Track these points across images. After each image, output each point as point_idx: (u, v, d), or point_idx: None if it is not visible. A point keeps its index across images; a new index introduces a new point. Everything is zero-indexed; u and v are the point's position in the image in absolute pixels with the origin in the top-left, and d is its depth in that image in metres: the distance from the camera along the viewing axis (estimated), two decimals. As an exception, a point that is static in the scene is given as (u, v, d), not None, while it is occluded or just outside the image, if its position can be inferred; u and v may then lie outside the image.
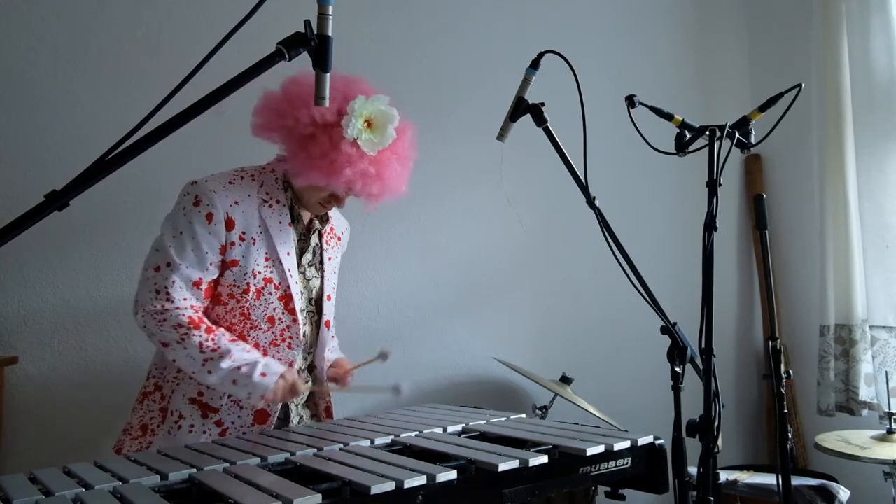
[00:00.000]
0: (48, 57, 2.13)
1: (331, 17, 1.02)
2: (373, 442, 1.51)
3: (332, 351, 1.95)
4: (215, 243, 1.58)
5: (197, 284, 1.58)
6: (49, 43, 2.13)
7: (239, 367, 1.56)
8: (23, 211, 0.85)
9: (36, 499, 1.11)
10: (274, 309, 1.66)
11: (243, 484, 1.18)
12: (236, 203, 1.61)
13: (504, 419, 1.76)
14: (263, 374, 1.56)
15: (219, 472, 1.27)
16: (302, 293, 1.73)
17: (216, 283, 1.63)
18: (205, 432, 1.62)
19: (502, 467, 1.28)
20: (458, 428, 1.65)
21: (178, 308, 1.55)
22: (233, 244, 1.60)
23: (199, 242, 1.57)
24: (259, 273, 1.63)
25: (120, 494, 1.13)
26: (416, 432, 1.57)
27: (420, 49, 2.75)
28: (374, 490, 1.13)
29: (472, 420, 1.72)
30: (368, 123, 1.58)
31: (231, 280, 1.62)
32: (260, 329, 1.65)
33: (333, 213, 1.89)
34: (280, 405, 1.72)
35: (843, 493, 2.41)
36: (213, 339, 1.56)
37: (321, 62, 1.03)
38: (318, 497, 1.10)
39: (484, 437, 1.58)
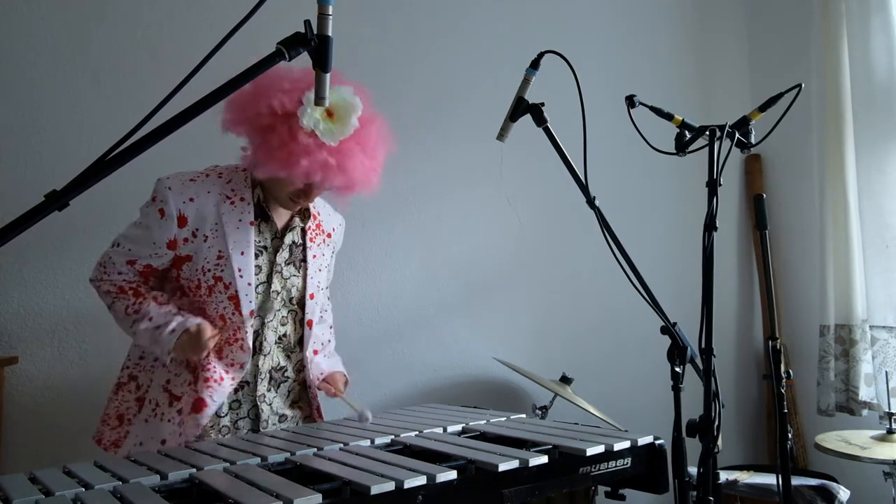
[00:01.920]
0: (48, 57, 2.13)
1: (331, 17, 1.02)
2: (373, 442, 1.51)
3: (328, 356, 1.91)
4: (163, 237, 1.62)
5: (132, 263, 1.66)
6: (49, 43, 2.13)
7: (157, 327, 1.59)
8: (23, 211, 0.85)
9: (36, 499, 1.11)
10: (224, 308, 1.64)
11: (243, 484, 1.18)
12: (191, 200, 1.62)
13: (504, 419, 1.76)
14: (173, 331, 1.58)
15: (219, 472, 1.27)
16: (278, 293, 1.71)
17: (169, 273, 1.69)
18: (169, 420, 1.62)
19: (502, 467, 1.28)
20: (458, 428, 1.65)
21: (110, 280, 1.67)
22: (186, 240, 1.62)
23: (149, 234, 1.63)
24: (209, 271, 1.63)
25: (120, 494, 1.13)
26: (416, 432, 1.57)
27: (420, 49, 2.75)
28: (374, 490, 1.14)
29: (472, 420, 1.72)
30: (329, 113, 1.53)
31: (187, 275, 1.66)
32: (216, 325, 1.64)
33: (323, 208, 1.86)
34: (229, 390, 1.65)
35: (843, 493, 2.41)
36: (138, 303, 1.63)
37: (321, 62, 1.03)
38: (318, 497, 1.10)
39: (484, 437, 1.58)
